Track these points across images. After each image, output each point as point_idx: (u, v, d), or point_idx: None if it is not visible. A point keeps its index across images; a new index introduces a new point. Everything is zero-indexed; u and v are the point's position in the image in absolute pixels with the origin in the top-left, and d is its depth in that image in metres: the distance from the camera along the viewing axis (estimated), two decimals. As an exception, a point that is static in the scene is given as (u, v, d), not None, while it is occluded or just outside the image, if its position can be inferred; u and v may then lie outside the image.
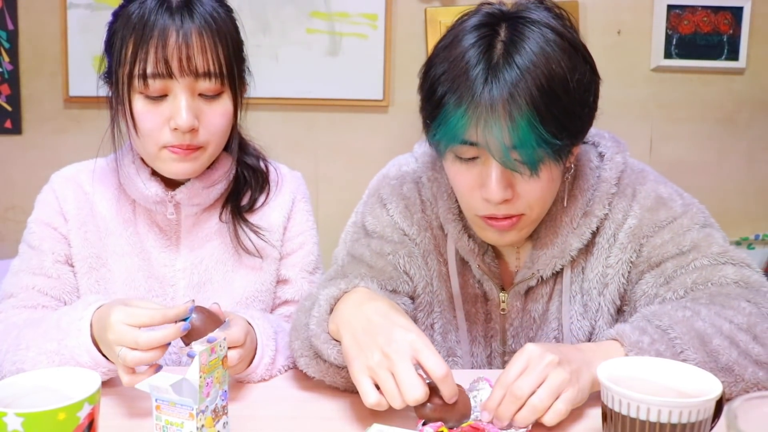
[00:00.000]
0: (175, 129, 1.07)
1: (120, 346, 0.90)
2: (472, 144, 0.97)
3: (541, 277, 1.12)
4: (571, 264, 1.13)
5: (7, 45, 2.55)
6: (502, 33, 0.97)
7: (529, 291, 1.15)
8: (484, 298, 1.17)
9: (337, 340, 0.95)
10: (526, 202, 1.02)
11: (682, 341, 0.92)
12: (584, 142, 1.14)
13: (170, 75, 1.05)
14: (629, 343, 0.92)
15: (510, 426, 0.88)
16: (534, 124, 0.93)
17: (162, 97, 1.07)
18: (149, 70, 1.05)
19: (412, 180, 1.19)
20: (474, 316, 1.18)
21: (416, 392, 0.82)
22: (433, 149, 1.07)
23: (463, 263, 1.17)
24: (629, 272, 1.11)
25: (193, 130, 1.08)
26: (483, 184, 1.00)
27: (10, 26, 2.54)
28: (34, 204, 1.22)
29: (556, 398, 0.86)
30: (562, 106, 0.95)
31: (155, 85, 1.06)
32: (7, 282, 1.17)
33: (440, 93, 0.97)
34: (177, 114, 1.06)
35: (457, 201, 1.12)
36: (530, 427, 0.90)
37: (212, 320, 0.94)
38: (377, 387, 0.85)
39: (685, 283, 1.05)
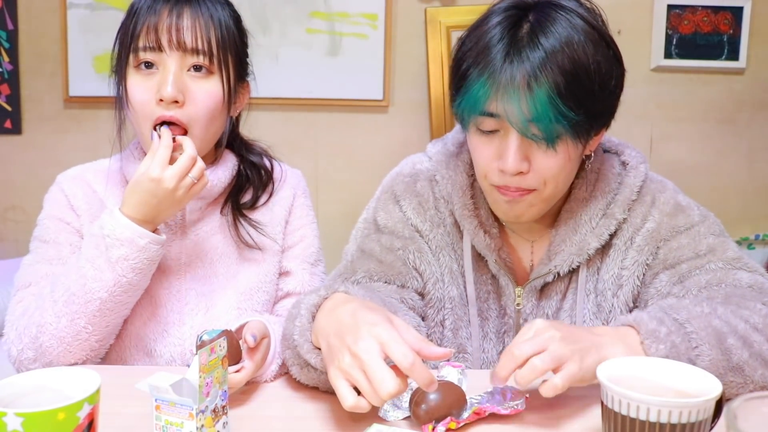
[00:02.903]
0: (161, 101, 1.10)
1: (170, 172, 1.05)
2: (492, 115, 1.01)
3: (558, 273, 1.14)
4: (587, 263, 1.14)
5: (7, 45, 2.55)
6: (531, 16, 1.01)
7: (544, 287, 1.17)
8: (497, 294, 1.19)
9: (319, 348, 0.95)
10: (540, 177, 1.04)
11: (698, 336, 0.92)
12: (607, 151, 1.18)
13: (160, 48, 1.11)
14: (646, 331, 0.92)
15: (508, 394, 0.91)
16: (552, 96, 0.97)
17: (152, 71, 1.12)
18: (141, 43, 1.11)
19: (426, 178, 1.21)
20: (486, 312, 1.19)
21: (388, 386, 0.80)
22: (458, 122, 1.11)
23: (477, 260, 1.18)
24: (644, 274, 1.13)
25: (176, 102, 1.11)
26: (501, 156, 1.03)
27: (10, 26, 2.54)
28: (43, 203, 1.23)
29: (557, 368, 0.87)
30: (582, 83, 0.98)
31: (146, 57, 1.12)
32: (22, 273, 1.18)
33: (465, 67, 1.03)
34: (162, 85, 1.10)
35: (472, 198, 1.16)
36: (524, 406, 0.92)
37: (228, 355, 0.92)
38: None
39: (699, 283, 1.06)
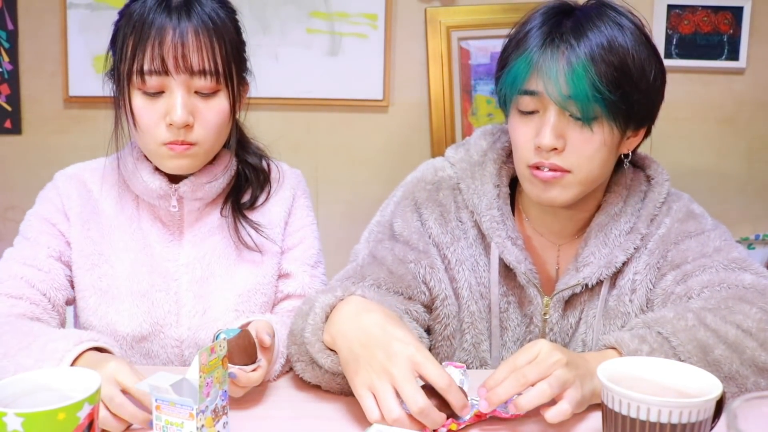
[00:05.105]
0: (170, 125, 1.09)
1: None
2: (532, 93, 1.04)
3: (586, 285, 1.14)
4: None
5: (7, 45, 2.55)
6: (577, 12, 1.06)
7: (570, 297, 1.17)
8: (519, 303, 1.19)
9: (331, 350, 0.95)
10: (575, 156, 1.05)
11: (685, 350, 0.93)
12: (635, 165, 1.20)
13: (166, 72, 1.08)
14: (627, 351, 0.93)
15: (509, 399, 0.89)
16: (590, 72, 1.01)
17: (159, 93, 1.10)
18: (146, 66, 1.08)
19: (448, 186, 1.20)
20: (505, 322, 1.19)
21: (419, 401, 0.83)
22: (501, 108, 1.14)
23: (504, 271, 1.18)
24: (655, 277, 1.14)
25: (187, 126, 1.10)
26: (538, 134, 1.05)
27: (10, 26, 2.54)
28: (36, 199, 1.23)
29: (561, 394, 0.86)
30: (620, 67, 1.02)
31: (152, 82, 1.09)
32: None
33: (506, 54, 1.10)
34: (172, 110, 1.08)
35: (499, 209, 1.15)
36: (523, 412, 0.90)
37: (246, 354, 0.92)
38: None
39: (701, 282, 1.07)
